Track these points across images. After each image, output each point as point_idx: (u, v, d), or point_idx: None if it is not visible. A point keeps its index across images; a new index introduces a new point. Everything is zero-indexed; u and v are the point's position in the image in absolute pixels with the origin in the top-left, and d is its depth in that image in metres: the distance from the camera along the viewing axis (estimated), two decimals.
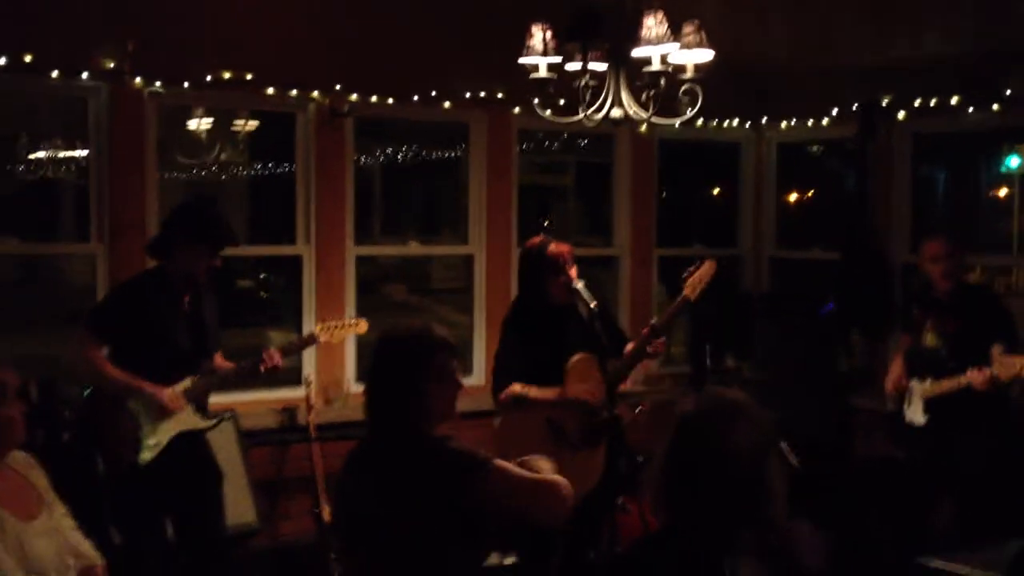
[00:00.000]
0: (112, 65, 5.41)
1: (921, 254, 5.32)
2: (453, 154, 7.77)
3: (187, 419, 4.42)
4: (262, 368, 4.54)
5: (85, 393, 4.48)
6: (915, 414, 5.25)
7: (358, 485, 2.84)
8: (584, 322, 4.58)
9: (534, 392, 4.59)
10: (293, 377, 6.09)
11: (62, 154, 7.47)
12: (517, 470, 2.81)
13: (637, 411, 4.88)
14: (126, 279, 4.71)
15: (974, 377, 4.93)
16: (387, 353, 2.86)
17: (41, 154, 7.68)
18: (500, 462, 2.77)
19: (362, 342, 6.39)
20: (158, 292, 4.35)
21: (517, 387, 4.60)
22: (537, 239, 4.83)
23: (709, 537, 2.25)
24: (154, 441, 4.30)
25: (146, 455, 4.27)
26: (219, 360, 4.62)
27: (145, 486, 4.29)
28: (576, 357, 4.62)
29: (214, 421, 4.59)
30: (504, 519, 2.81)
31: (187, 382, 4.42)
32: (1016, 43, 5.85)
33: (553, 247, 4.69)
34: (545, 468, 2.86)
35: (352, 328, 4.92)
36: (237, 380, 4.59)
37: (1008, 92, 5.99)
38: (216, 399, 4.74)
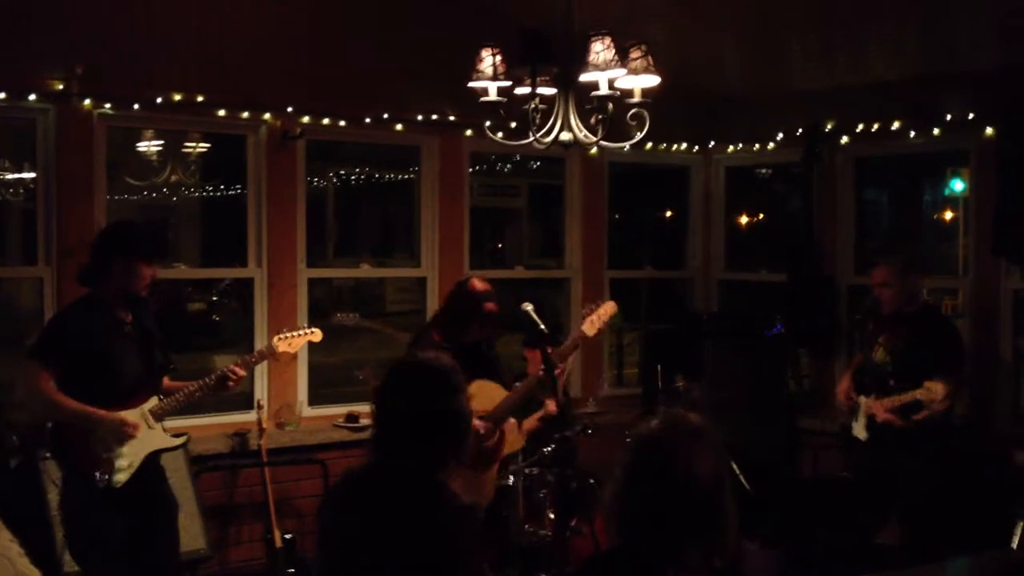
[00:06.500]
0: (61, 87, 5.39)
1: (871, 278, 5.40)
2: (406, 176, 7.78)
3: (158, 439, 4.36)
4: (230, 384, 4.50)
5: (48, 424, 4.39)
6: (859, 430, 5.34)
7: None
8: (493, 355, 5.12)
9: None
10: (245, 401, 6.05)
11: (9, 176, 7.37)
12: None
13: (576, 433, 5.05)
14: (65, 306, 4.65)
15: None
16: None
17: None
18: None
19: (314, 366, 6.37)
20: (99, 316, 4.27)
21: None
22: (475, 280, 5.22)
23: (658, 556, 2.27)
24: (127, 463, 4.22)
25: (120, 476, 4.20)
26: (169, 382, 4.56)
27: (106, 513, 4.20)
28: (476, 383, 4.76)
29: (182, 439, 4.54)
30: None
31: (152, 402, 4.37)
32: (955, 68, 5.99)
33: (476, 283, 5.15)
34: None
35: (307, 337, 4.90)
36: (202, 397, 4.54)
37: (948, 117, 6.13)
38: (167, 423, 4.67)
